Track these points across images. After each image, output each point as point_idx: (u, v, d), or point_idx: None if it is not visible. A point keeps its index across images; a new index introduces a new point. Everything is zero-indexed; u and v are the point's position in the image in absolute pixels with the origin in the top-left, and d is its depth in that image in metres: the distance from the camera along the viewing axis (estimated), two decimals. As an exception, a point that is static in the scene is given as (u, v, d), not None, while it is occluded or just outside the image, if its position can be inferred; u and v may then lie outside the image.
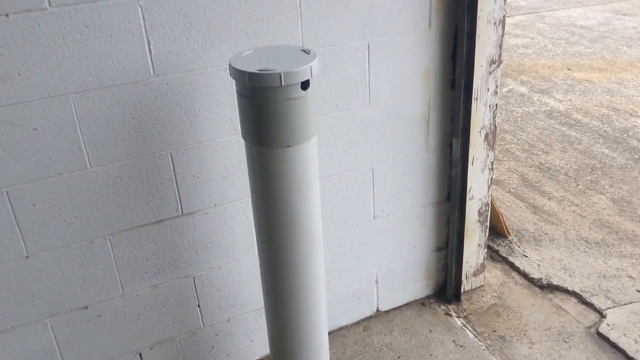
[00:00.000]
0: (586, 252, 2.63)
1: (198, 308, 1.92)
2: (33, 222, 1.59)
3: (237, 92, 1.34)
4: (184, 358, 1.97)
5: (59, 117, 1.52)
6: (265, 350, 2.10)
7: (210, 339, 1.99)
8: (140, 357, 1.89)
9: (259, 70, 1.25)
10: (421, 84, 1.96)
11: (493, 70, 2.01)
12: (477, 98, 2.01)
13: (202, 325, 1.95)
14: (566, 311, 2.29)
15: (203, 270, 1.87)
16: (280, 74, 1.24)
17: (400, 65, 1.90)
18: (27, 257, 1.62)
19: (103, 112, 1.56)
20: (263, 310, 1.92)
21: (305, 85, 1.29)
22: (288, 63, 1.30)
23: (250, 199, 1.69)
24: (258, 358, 2.10)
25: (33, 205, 1.58)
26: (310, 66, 1.28)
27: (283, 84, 1.25)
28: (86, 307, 1.75)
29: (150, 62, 1.56)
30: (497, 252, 2.65)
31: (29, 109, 1.48)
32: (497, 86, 2.04)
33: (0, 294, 1.63)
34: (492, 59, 1.99)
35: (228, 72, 1.64)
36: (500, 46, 1.99)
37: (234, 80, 1.33)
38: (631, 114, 4.04)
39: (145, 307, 1.83)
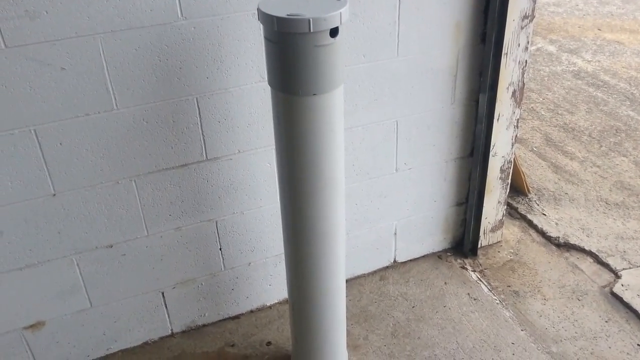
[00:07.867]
0: (605, 213, 2.61)
1: (220, 251, 1.96)
2: (60, 160, 1.62)
3: (264, 37, 1.33)
4: (204, 298, 2.02)
5: (86, 58, 1.52)
6: (284, 294, 2.15)
7: (230, 282, 2.04)
8: (163, 295, 1.95)
9: (287, 15, 1.23)
10: (451, 37, 1.93)
11: (525, 26, 1.96)
12: (507, 53, 1.98)
13: (223, 267, 2.00)
14: (581, 270, 2.30)
15: (226, 214, 1.90)
16: (309, 20, 1.22)
17: (431, 17, 1.86)
18: (54, 195, 1.66)
19: (130, 54, 1.56)
20: (283, 256, 1.95)
21: (334, 32, 1.27)
22: (317, 9, 1.27)
23: (273, 146, 1.70)
24: (276, 302, 2.16)
25: (60, 144, 1.60)
26: (340, 13, 1.26)
27: (312, 30, 1.23)
28: (111, 246, 1.80)
29: (178, 4, 1.55)
30: (516, 209, 2.65)
31: (57, 48, 1.48)
32: (528, 42, 2.00)
33: (28, 229, 1.67)
34: (525, 13, 1.94)
35: (256, 16, 1.63)
36: (534, 0, 1.93)
37: (261, 25, 1.32)
38: (662, 76, 3.94)
39: (169, 248, 1.88)
